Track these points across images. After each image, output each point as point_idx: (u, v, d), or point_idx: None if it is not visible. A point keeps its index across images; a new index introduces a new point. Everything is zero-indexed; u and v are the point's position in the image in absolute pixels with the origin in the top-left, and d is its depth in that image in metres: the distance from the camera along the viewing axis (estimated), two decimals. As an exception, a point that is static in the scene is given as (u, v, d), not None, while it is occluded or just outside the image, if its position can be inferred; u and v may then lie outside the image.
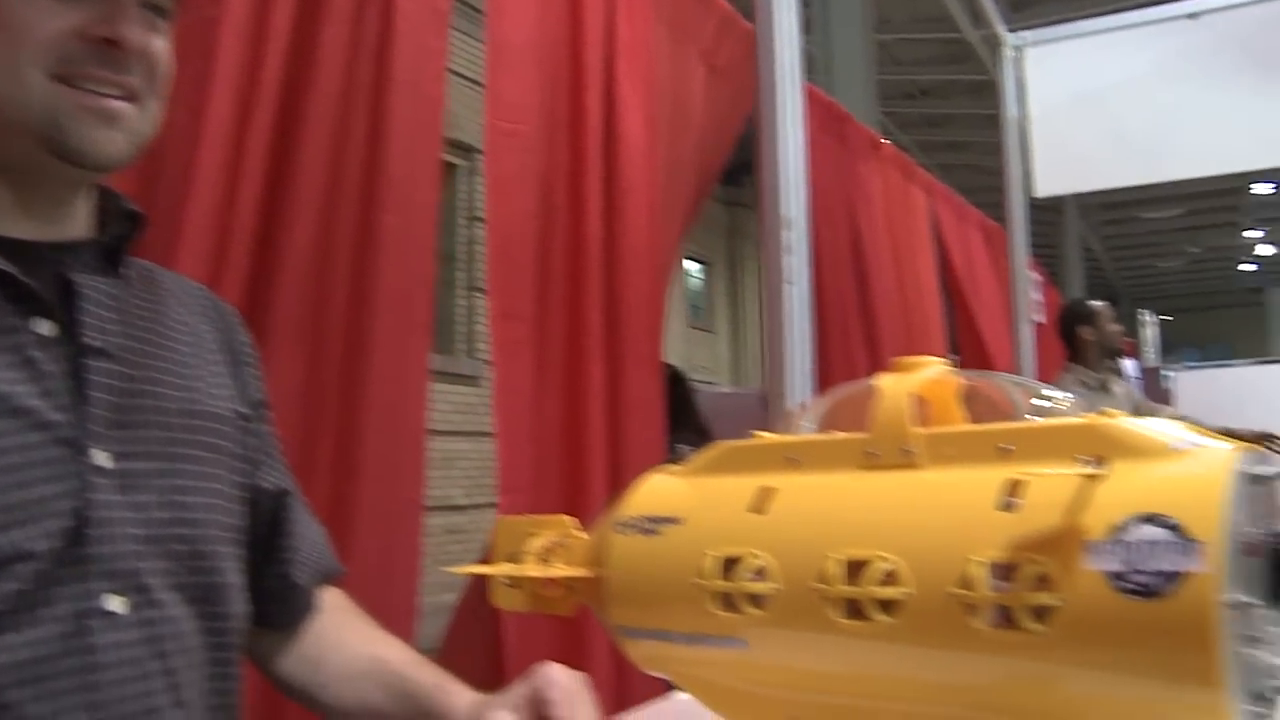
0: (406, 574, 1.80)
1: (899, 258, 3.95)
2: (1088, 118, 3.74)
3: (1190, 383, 8.15)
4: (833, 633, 0.90)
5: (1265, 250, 22.57)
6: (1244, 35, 3.79)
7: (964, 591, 0.83)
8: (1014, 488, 0.84)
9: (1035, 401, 0.95)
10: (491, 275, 2.04)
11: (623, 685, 1.92)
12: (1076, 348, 4.57)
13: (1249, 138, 3.68)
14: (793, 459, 1.00)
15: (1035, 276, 7.27)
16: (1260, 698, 0.81)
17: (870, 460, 0.95)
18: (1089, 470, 0.81)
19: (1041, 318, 7.14)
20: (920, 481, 0.92)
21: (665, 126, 2.49)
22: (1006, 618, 0.82)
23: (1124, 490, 0.80)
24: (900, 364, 0.98)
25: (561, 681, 0.96)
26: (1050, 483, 0.83)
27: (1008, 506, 0.84)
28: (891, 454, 0.94)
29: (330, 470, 1.70)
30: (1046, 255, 18.84)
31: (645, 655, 1.10)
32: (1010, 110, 3.73)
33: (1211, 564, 0.75)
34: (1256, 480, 0.83)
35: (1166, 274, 23.99)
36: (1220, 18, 3.79)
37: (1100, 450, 0.83)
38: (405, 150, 1.81)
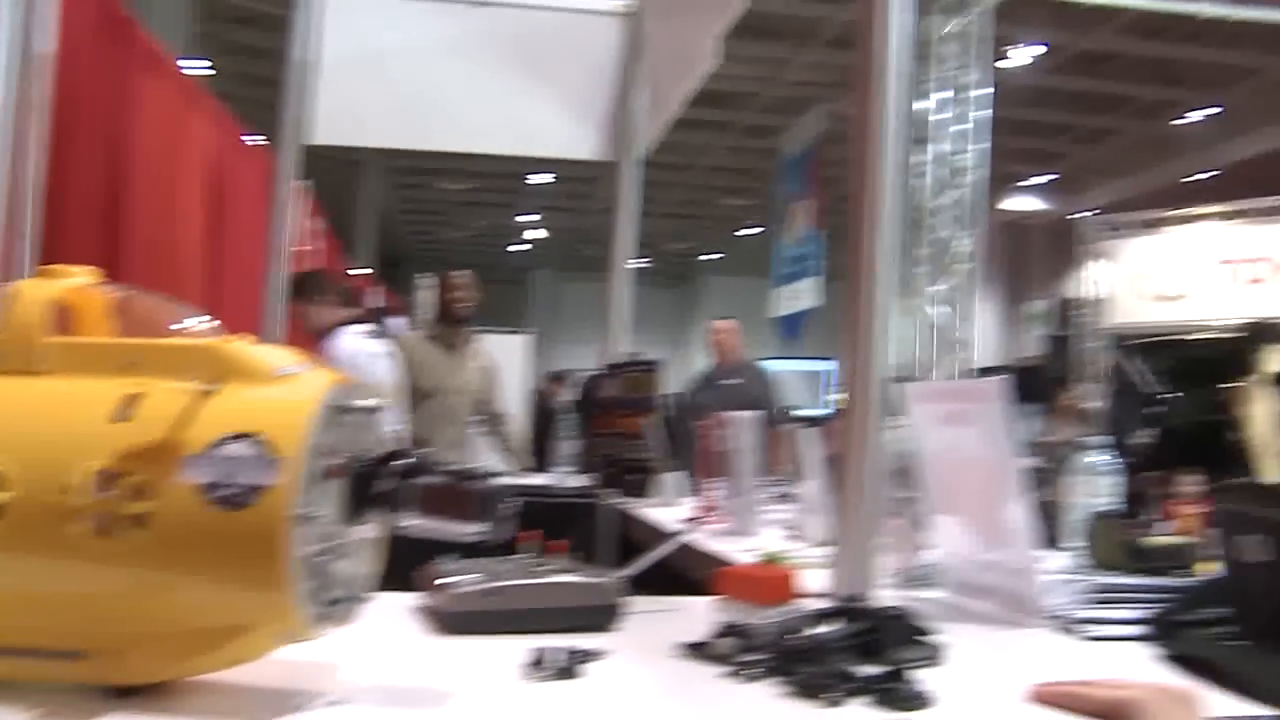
0: None
1: (165, 180, 3.77)
2: (372, 76, 3.89)
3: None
4: (-66, 538, 0.88)
5: (535, 234, 24.79)
6: (519, 33, 4.16)
7: (63, 498, 0.85)
8: (131, 400, 0.88)
9: (178, 325, 0.99)
10: None
11: None
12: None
13: (509, 126, 4.06)
14: (-78, 360, 0.96)
15: (320, 224, 7.42)
16: (335, 602, 0.93)
17: (-2, 364, 0.93)
18: (201, 388, 0.87)
19: (321, 263, 7.31)
20: (45, 389, 0.92)
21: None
22: (107, 525, 0.86)
23: (227, 408, 0.87)
24: (45, 271, 0.97)
25: None
26: (164, 398, 0.88)
27: (123, 418, 0.87)
28: (20, 359, 0.93)
29: None
30: (346, 209, 19.15)
31: None
32: (296, 52, 3.74)
33: (288, 478, 0.84)
34: (352, 410, 0.95)
35: (451, 243, 25.48)
36: (501, 13, 4.13)
37: (218, 370, 0.90)
38: None
